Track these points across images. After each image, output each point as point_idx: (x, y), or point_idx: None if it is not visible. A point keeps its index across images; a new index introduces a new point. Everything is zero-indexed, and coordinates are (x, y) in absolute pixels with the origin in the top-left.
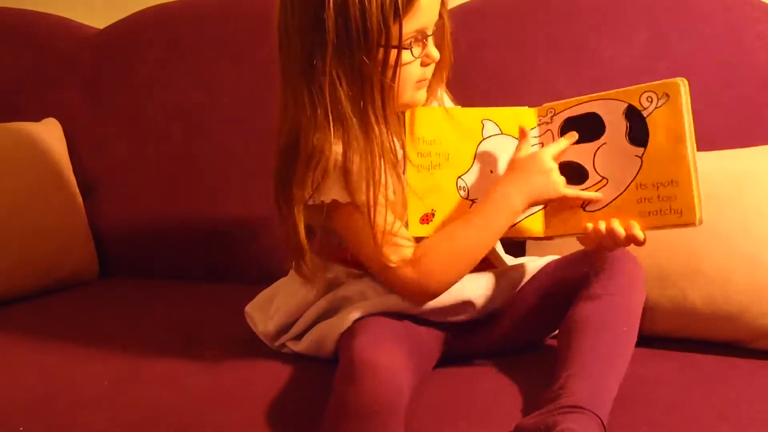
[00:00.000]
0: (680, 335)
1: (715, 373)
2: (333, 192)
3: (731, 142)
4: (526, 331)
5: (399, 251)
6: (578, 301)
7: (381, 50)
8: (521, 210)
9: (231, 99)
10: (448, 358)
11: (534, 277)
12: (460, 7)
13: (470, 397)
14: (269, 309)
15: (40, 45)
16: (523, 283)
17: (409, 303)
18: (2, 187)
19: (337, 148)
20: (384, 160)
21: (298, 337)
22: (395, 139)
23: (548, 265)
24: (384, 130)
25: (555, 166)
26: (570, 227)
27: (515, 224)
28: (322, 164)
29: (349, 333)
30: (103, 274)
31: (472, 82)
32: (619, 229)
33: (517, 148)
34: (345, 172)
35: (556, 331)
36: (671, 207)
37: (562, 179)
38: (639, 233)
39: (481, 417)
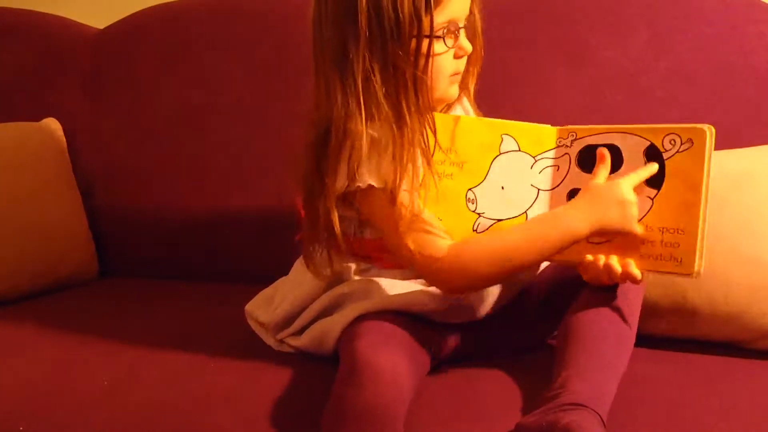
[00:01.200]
0: (680, 335)
1: (715, 373)
2: (368, 177)
3: (731, 142)
4: (528, 332)
5: (431, 240)
6: (578, 303)
7: (414, 41)
8: (584, 235)
9: (231, 99)
10: (449, 359)
11: (535, 278)
12: None
13: (470, 397)
14: (271, 305)
15: (40, 45)
16: (524, 285)
17: (434, 295)
18: (2, 187)
19: (371, 133)
20: (413, 152)
21: (299, 332)
22: (428, 133)
23: (549, 266)
24: (417, 122)
25: (635, 199)
26: (569, 254)
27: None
28: (356, 152)
29: (351, 334)
30: (103, 274)
31: None
32: (617, 267)
33: (595, 173)
34: (377, 155)
35: (556, 332)
36: (672, 254)
37: (637, 213)
38: (636, 272)
39: (481, 416)
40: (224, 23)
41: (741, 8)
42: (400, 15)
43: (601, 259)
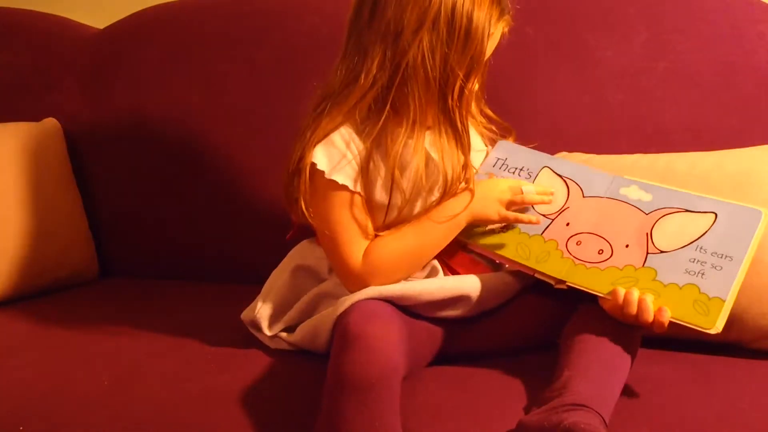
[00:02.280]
0: (680, 335)
1: (715, 373)
2: (317, 158)
3: (731, 142)
4: (527, 333)
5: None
6: (583, 304)
7: (470, 58)
8: (463, 226)
9: (231, 99)
10: (443, 357)
11: (537, 282)
12: None
13: (470, 396)
14: (260, 301)
15: (40, 45)
16: (522, 287)
17: (426, 287)
18: (2, 187)
19: (351, 128)
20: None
21: (291, 329)
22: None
23: None
24: (459, 117)
25: (504, 197)
26: (595, 284)
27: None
28: (332, 131)
29: (342, 316)
30: (103, 274)
31: None
32: (650, 307)
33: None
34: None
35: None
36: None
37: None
38: (665, 321)
39: (481, 415)
40: (224, 23)
41: (741, 8)
42: (473, 31)
43: (635, 294)
